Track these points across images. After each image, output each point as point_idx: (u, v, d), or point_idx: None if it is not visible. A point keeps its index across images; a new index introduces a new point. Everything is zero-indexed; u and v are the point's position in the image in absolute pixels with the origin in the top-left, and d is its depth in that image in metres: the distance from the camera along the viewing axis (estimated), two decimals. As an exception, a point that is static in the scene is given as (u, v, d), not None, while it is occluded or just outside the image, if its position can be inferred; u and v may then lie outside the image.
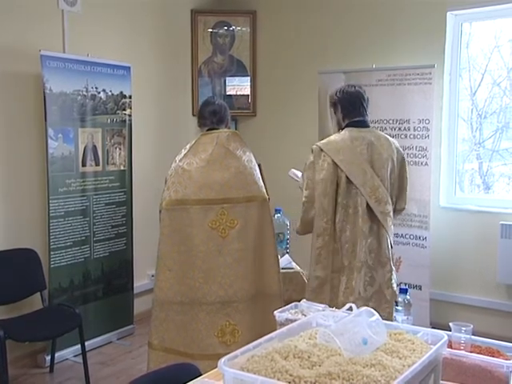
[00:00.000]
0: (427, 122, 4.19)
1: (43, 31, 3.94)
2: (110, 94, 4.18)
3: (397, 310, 2.12)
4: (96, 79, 4.07)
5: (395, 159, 2.99)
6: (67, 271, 3.94)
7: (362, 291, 2.88)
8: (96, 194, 4.12)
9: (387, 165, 2.95)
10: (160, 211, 3.06)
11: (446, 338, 1.48)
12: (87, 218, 4.06)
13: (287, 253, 3.63)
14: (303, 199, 3.01)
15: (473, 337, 1.76)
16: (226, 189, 2.96)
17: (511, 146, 4.42)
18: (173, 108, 5.10)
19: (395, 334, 1.52)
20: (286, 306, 1.96)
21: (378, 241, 2.94)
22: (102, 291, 4.22)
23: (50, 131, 3.77)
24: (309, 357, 1.35)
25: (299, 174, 3.30)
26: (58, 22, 4.04)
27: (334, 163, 2.90)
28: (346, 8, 4.79)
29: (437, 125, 4.33)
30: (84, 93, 4.00)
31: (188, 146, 3.08)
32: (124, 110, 4.30)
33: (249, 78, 5.33)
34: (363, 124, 3.00)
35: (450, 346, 1.70)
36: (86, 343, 3.64)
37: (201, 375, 1.78)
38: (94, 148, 4.11)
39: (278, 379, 1.25)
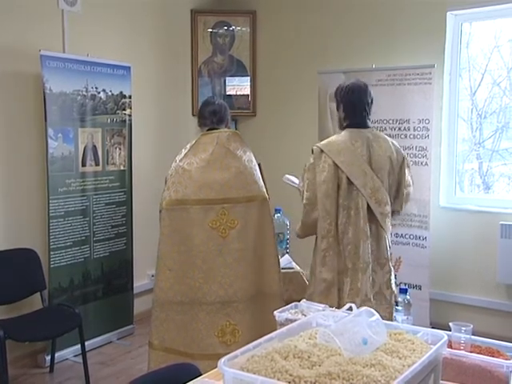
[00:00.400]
0: (427, 121, 4.19)
1: (43, 31, 3.94)
2: (109, 93, 4.18)
3: (397, 310, 2.12)
4: (96, 79, 4.07)
5: (394, 160, 2.98)
6: (67, 271, 3.94)
7: (369, 293, 2.86)
8: (96, 194, 4.12)
9: (386, 166, 2.94)
10: (160, 211, 3.06)
11: (445, 337, 1.48)
12: (87, 218, 4.06)
13: (287, 253, 3.64)
14: (304, 201, 2.98)
15: (473, 337, 1.76)
16: (226, 189, 2.96)
17: (511, 146, 4.42)
18: (173, 108, 5.10)
19: (395, 334, 1.52)
20: (286, 306, 1.96)
21: (376, 242, 2.93)
22: (102, 291, 4.22)
23: (50, 131, 3.77)
24: (309, 357, 1.35)
25: (295, 179, 3.29)
26: (57, 22, 4.04)
27: (335, 164, 2.88)
28: (346, 8, 4.79)
29: (437, 125, 4.33)
30: (84, 93, 4.00)
31: (188, 146, 3.08)
32: (124, 109, 4.30)
33: (249, 77, 5.33)
34: (363, 125, 2.99)
35: (449, 345, 1.70)
36: (86, 343, 3.64)
37: (201, 375, 1.78)
38: (94, 148, 4.11)
39: (278, 379, 1.26)
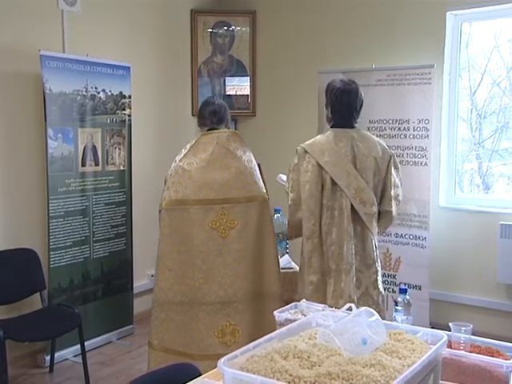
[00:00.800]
0: (427, 122, 4.19)
1: (43, 31, 3.94)
2: (109, 93, 4.18)
3: (396, 310, 2.12)
4: (96, 79, 4.07)
5: (380, 160, 2.93)
6: (67, 271, 3.94)
7: (353, 294, 2.85)
8: (96, 194, 4.12)
9: (371, 166, 2.91)
10: (160, 211, 3.06)
11: (445, 337, 1.49)
12: (87, 218, 4.06)
13: (287, 253, 3.63)
14: (289, 202, 2.98)
15: (472, 337, 1.76)
16: (226, 189, 2.96)
17: (511, 146, 4.42)
18: (172, 108, 5.10)
19: (395, 334, 1.52)
20: (286, 306, 1.96)
21: (362, 243, 2.91)
22: (102, 291, 4.22)
23: (50, 131, 3.77)
24: (308, 357, 1.35)
25: (285, 178, 3.29)
26: (57, 22, 4.04)
27: (319, 165, 2.87)
28: (346, 8, 4.79)
29: (436, 125, 4.33)
30: (84, 93, 4.00)
31: (188, 146, 3.08)
32: (124, 110, 4.30)
33: (248, 77, 5.33)
34: (349, 125, 2.96)
35: (449, 345, 1.70)
36: (86, 343, 3.64)
37: (201, 375, 1.78)
38: (94, 148, 4.11)
39: (278, 379, 1.26)
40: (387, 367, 1.29)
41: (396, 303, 2.14)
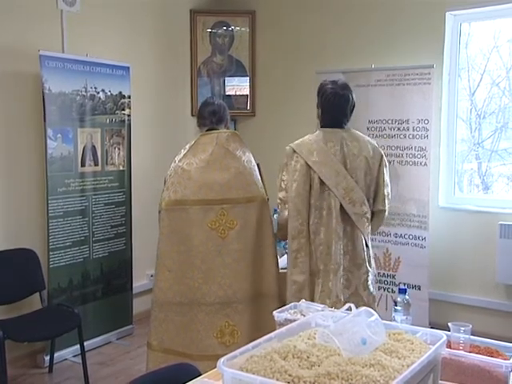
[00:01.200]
0: (426, 122, 4.19)
1: (42, 31, 3.94)
2: (109, 94, 4.18)
3: (396, 310, 2.12)
4: (95, 79, 4.07)
5: (371, 160, 2.92)
6: (66, 271, 3.94)
7: (340, 294, 2.83)
8: (95, 194, 4.12)
9: (362, 165, 2.89)
10: (159, 211, 3.06)
11: (445, 337, 1.49)
12: (86, 218, 4.06)
13: (286, 253, 3.63)
14: (278, 201, 2.97)
15: (472, 337, 1.76)
16: (225, 189, 2.96)
17: (510, 146, 4.42)
18: (172, 108, 5.10)
19: (394, 334, 1.52)
20: (285, 306, 1.96)
21: (352, 242, 2.89)
22: (102, 291, 4.22)
23: (49, 131, 3.77)
24: (308, 357, 1.35)
25: None
26: (57, 22, 4.04)
27: (307, 164, 2.86)
28: (345, 8, 4.80)
29: (436, 125, 4.33)
30: (83, 93, 4.00)
31: (187, 147, 3.08)
32: (123, 110, 4.30)
33: (248, 78, 5.33)
34: (339, 125, 2.95)
35: (449, 345, 1.70)
36: (85, 343, 3.64)
37: (200, 375, 1.78)
38: (93, 148, 4.11)
39: (277, 379, 1.26)
40: (387, 367, 1.29)
41: (395, 303, 2.14)
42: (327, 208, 2.86)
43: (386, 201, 3.00)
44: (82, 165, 4.02)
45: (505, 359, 1.64)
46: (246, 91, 5.35)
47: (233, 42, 5.31)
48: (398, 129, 4.30)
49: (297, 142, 2.97)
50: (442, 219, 4.38)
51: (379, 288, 4.31)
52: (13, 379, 3.62)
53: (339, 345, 1.37)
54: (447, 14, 4.32)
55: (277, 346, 1.42)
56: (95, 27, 4.27)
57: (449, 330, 1.76)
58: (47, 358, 3.81)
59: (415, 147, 4.24)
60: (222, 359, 1.32)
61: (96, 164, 4.13)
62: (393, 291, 4.31)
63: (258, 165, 3.15)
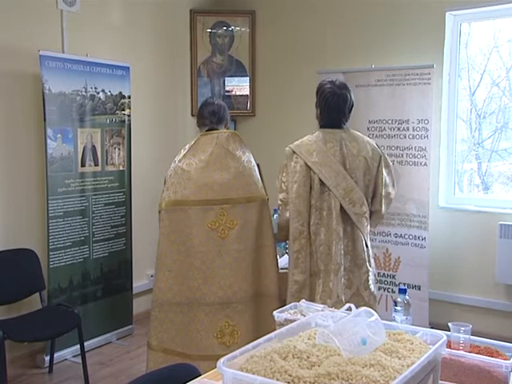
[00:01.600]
0: (426, 122, 4.19)
1: (42, 31, 3.94)
2: (109, 94, 4.18)
3: (396, 310, 2.12)
4: (95, 79, 4.07)
5: (370, 160, 2.93)
6: (66, 271, 3.93)
7: (341, 294, 2.85)
8: (95, 195, 4.12)
9: (361, 166, 2.91)
10: (159, 212, 3.06)
11: (444, 338, 1.49)
12: (86, 219, 4.06)
13: (286, 253, 3.63)
14: (278, 202, 2.98)
15: (472, 337, 1.76)
16: (225, 189, 2.96)
17: (510, 146, 4.42)
18: (172, 108, 5.11)
19: (394, 334, 1.52)
20: (285, 306, 1.96)
21: (352, 243, 2.91)
22: (101, 291, 4.22)
23: (49, 131, 3.77)
24: (308, 357, 1.35)
25: None
26: (57, 22, 4.04)
27: (307, 165, 2.87)
28: (345, 8, 4.80)
29: (436, 125, 4.33)
30: (83, 93, 4.00)
31: (187, 147, 3.07)
32: (123, 110, 4.30)
33: (248, 78, 5.33)
34: (337, 125, 2.96)
35: (449, 346, 1.70)
36: (85, 343, 3.64)
37: (200, 376, 1.78)
38: (93, 148, 4.11)
39: (277, 379, 1.25)
40: (387, 367, 1.29)
41: (395, 303, 2.14)
42: (327, 209, 2.87)
43: (384, 201, 3.01)
44: (82, 165, 4.02)
45: (505, 359, 1.64)
46: (246, 91, 5.35)
47: (233, 42, 5.31)
48: (398, 129, 4.30)
49: (296, 142, 2.97)
50: (442, 219, 4.38)
51: (379, 288, 4.31)
52: (13, 379, 3.62)
53: (339, 345, 1.36)
54: (447, 13, 4.32)
55: (277, 346, 1.42)
56: (95, 27, 4.27)
57: (449, 330, 1.76)
58: (47, 358, 3.81)
59: (415, 147, 4.24)
60: (221, 359, 1.32)
61: (96, 164, 4.13)
62: (393, 291, 4.31)
63: (258, 165, 3.14)
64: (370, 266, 2.97)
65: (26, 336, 3.40)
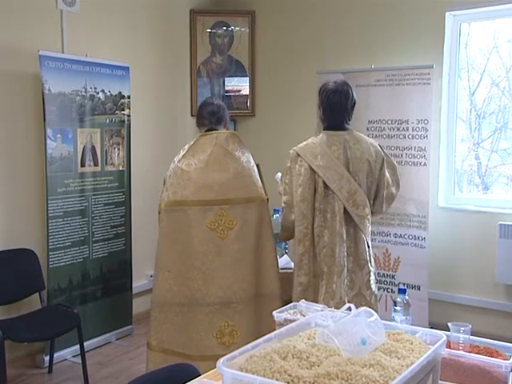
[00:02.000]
0: (426, 122, 4.19)
1: (42, 31, 3.93)
2: (108, 94, 4.18)
3: (395, 310, 2.12)
4: (95, 79, 4.07)
5: (373, 162, 2.94)
6: (66, 271, 3.93)
7: (344, 295, 2.86)
8: (95, 195, 4.12)
9: (364, 168, 2.92)
10: (159, 212, 3.06)
11: (444, 338, 1.49)
12: (86, 219, 4.06)
13: (286, 253, 3.63)
14: (282, 204, 3.00)
15: (471, 337, 1.76)
16: (224, 190, 2.96)
17: (510, 146, 4.42)
18: (171, 108, 5.10)
19: (394, 334, 1.52)
20: (285, 307, 1.96)
21: (355, 244, 2.92)
22: (101, 291, 4.22)
23: (49, 131, 3.77)
24: (307, 357, 1.35)
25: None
26: (56, 22, 4.04)
27: (311, 168, 2.88)
28: (345, 8, 4.80)
29: (435, 125, 4.33)
30: (83, 93, 4.00)
31: (187, 147, 3.07)
32: (123, 110, 4.30)
33: (248, 78, 5.33)
34: (342, 127, 2.96)
35: (448, 346, 1.70)
36: (85, 343, 3.64)
37: (200, 376, 1.78)
38: (93, 148, 4.11)
39: (277, 379, 1.25)
40: (386, 367, 1.29)
41: (395, 303, 2.14)
42: (331, 211, 2.88)
43: (385, 201, 3.04)
44: (82, 165, 4.02)
45: (504, 359, 1.64)
46: (246, 91, 5.35)
47: (232, 42, 5.31)
48: (398, 129, 4.30)
49: (300, 145, 2.98)
50: (441, 219, 4.38)
51: (379, 288, 4.31)
52: (12, 379, 3.62)
53: (339, 345, 1.36)
54: (447, 14, 4.32)
55: (276, 346, 1.42)
56: (95, 27, 4.27)
57: (448, 330, 1.76)
58: (47, 359, 3.81)
59: (415, 147, 4.24)
60: (221, 359, 1.32)
61: (96, 164, 4.13)
62: (392, 291, 4.31)
63: (257, 165, 3.15)
64: (372, 266, 2.99)
65: (26, 336, 3.40)
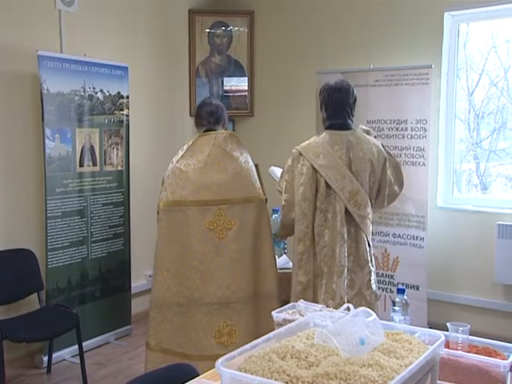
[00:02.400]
0: (424, 122, 4.19)
1: (40, 31, 3.93)
2: (107, 94, 4.18)
3: (394, 310, 2.12)
4: (93, 79, 4.07)
5: (375, 162, 2.95)
6: (65, 271, 3.93)
7: (344, 295, 2.86)
8: (93, 195, 4.11)
9: (367, 168, 2.92)
10: (158, 212, 3.06)
11: (443, 338, 1.49)
12: (84, 219, 4.06)
13: (285, 253, 3.64)
14: (283, 203, 3.00)
15: (470, 337, 1.77)
16: (223, 190, 2.96)
17: (508, 146, 4.43)
18: (170, 108, 5.10)
19: (392, 334, 1.52)
20: (284, 306, 1.96)
21: (356, 244, 2.92)
22: (100, 291, 4.22)
23: (48, 131, 3.77)
24: (306, 357, 1.35)
25: (278, 173, 3.29)
26: (55, 22, 4.03)
27: (313, 168, 2.88)
28: (344, 8, 4.80)
29: (434, 125, 4.33)
30: (81, 93, 4.00)
31: (185, 147, 3.08)
32: (121, 110, 4.30)
33: (246, 78, 5.33)
34: (345, 126, 2.97)
35: (447, 345, 1.71)
36: (84, 344, 3.64)
37: (198, 376, 1.78)
38: (92, 148, 4.11)
39: (276, 379, 1.25)
40: (385, 367, 1.29)
41: (394, 303, 2.14)
42: (332, 211, 2.88)
43: (387, 199, 3.07)
44: (81, 165, 4.02)
45: (503, 359, 1.64)
46: (245, 91, 5.35)
47: (231, 42, 5.31)
48: (397, 129, 4.31)
49: (303, 144, 2.98)
50: (440, 219, 4.38)
51: (377, 288, 4.31)
52: (11, 380, 3.61)
53: (337, 345, 1.36)
54: (445, 14, 4.32)
55: (275, 346, 1.42)
56: (93, 27, 4.27)
57: (447, 330, 1.76)
58: (45, 359, 3.80)
59: (413, 147, 4.24)
60: (220, 359, 1.32)
61: (94, 164, 4.12)
62: (391, 291, 4.31)
63: (256, 165, 3.15)
64: (372, 265, 2.99)
65: (25, 336, 3.40)
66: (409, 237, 4.29)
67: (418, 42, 4.42)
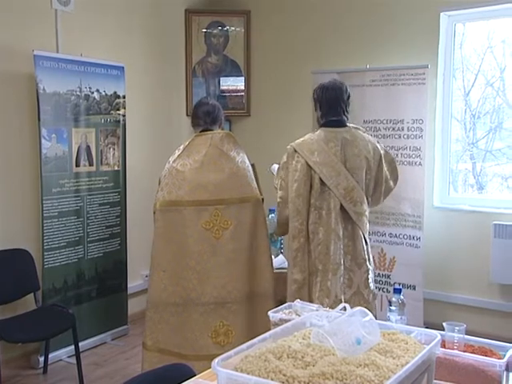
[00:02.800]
0: (421, 122, 4.20)
1: (36, 31, 3.92)
2: (103, 93, 4.17)
3: (390, 310, 2.13)
4: (90, 79, 4.06)
5: (371, 159, 2.96)
6: (61, 272, 3.92)
7: (340, 293, 2.86)
8: (90, 195, 4.11)
9: (362, 165, 2.93)
10: (154, 212, 3.05)
11: (439, 337, 1.49)
12: (81, 219, 4.05)
13: (281, 253, 3.64)
14: (278, 200, 3.01)
15: (466, 336, 1.77)
16: (219, 190, 2.96)
17: (504, 147, 4.44)
18: (167, 108, 5.10)
19: (389, 334, 1.52)
20: (280, 306, 1.96)
21: (353, 242, 2.92)
22: (96, 292, 4.21)
23: (44, 131, 3.76)
24: (302, 357, 1.35)
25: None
26: (51, 22, 4.02)
27: (308, 165, 2.88)
28: (340, 8, 4.80)
29: (430, 125, 4.34)
30: (78, 93, 3.99)
31: (182, 147, 3.07)
32: (118, 110, 4.30)
33: (243, 78, 5.33)
34: (339, 123, 2.98)
35: (443, 345, 1.71)
36: (80, 344, 3.63)
37: (195, 376, 1.78)
38: (88, 148, 4.10)
39: (272, 379, 1.25)
40: (381, 367, 1.29)
41: (390, 303, 2.14)
42: (327, 208, 2.88)
43: (383, 195, 3.09)
44: (77, 165, 4.01)
45: (499, 358, 1.64)
46: (241, 91, 5.34)
47: (228, 41, 5.31)
48: (393, 129, 4.31)
49: (298, 141, 2.98)
50: (436, 219, 4.39)
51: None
52: (7, 380, 3.60)
53: (334, 345, 1.37)
54: (441, 14, 4.33)
55: (271, 345, 1.42)
56: (90, 27, 4.26)
57: (443, 330, 1.76)
58: (41, 359, 3.79)
59: (410, 147, 4.25)
60: (216, 359, 1.32)
61: (91, 164, 4.12)
62: (387, 291, 4.32)
63: (252, 165, 3.15)
64: (370, 264, 2.99)
65: (21, 337, 3.39)
66: (405, 236, 4.29)
67: (415, 42, 4.43)
